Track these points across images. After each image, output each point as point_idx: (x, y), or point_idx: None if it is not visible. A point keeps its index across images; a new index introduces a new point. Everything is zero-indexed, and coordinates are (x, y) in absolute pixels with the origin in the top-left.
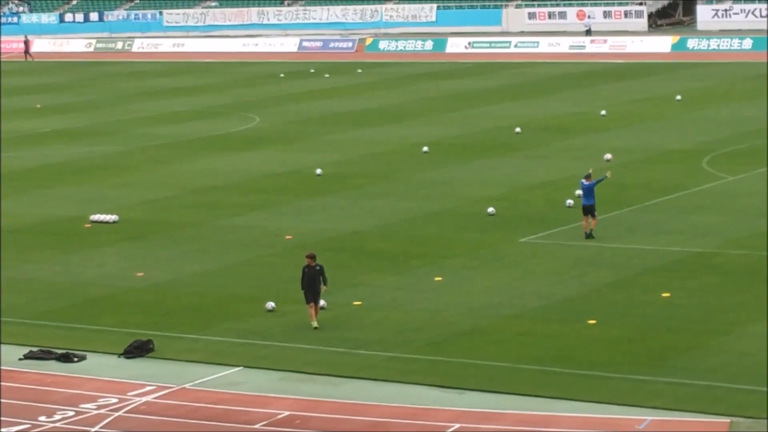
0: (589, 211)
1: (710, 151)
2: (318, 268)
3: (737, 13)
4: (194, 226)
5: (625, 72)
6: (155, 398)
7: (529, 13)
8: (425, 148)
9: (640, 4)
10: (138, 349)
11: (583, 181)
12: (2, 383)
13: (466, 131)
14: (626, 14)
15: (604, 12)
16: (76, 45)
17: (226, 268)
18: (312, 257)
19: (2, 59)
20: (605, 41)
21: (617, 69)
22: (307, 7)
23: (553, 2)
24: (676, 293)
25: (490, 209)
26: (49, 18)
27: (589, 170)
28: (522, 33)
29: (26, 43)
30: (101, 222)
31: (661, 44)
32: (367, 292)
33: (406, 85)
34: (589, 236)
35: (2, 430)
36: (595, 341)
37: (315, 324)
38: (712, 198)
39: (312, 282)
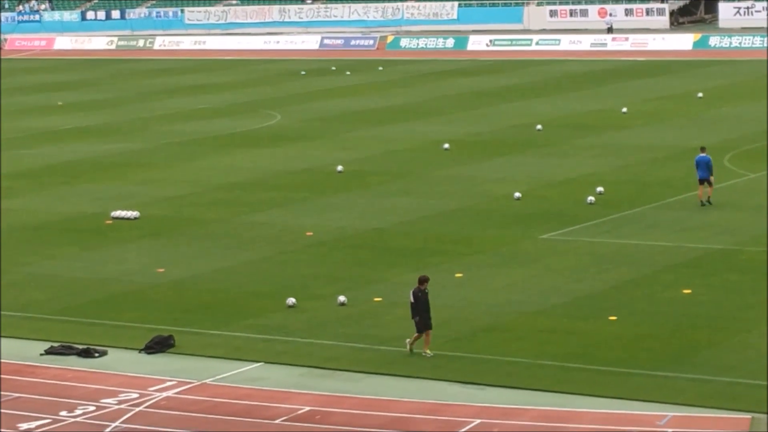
0: (704, 181)
1: (732, 149)
2: (427, 291)
3: (759, 11)
4: (215, 222)
5: (646, 69)
6: (176, 393)
7: (551, 11)
8: (446, 146)
9: (662, 1)
10: (159, 345)
11: (700, 154)
12: (24, 378)
13: (487, 128)
14: (648, 12)
15: (626, 10)
16: (98, 43)
17: (247, 264)
18: (425, 280)
19: (24, 56)
20: (627, 39)
21: (639, 66)
22: (329, 5)
23: (574, 0)
24: (698, 290)
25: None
26: (71, 16)
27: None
28: (543, 31)
29: None
30: (122, 218)
31: (683, 42)
32: (387, 289)
33: (427, 83)
34: (704, 204)
35: (24, 425)
36: (615, 338)
37: (429, 353)
38: (733, 195)
39: (427, 307)
